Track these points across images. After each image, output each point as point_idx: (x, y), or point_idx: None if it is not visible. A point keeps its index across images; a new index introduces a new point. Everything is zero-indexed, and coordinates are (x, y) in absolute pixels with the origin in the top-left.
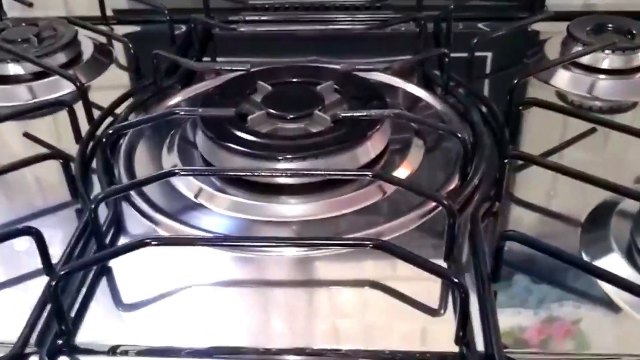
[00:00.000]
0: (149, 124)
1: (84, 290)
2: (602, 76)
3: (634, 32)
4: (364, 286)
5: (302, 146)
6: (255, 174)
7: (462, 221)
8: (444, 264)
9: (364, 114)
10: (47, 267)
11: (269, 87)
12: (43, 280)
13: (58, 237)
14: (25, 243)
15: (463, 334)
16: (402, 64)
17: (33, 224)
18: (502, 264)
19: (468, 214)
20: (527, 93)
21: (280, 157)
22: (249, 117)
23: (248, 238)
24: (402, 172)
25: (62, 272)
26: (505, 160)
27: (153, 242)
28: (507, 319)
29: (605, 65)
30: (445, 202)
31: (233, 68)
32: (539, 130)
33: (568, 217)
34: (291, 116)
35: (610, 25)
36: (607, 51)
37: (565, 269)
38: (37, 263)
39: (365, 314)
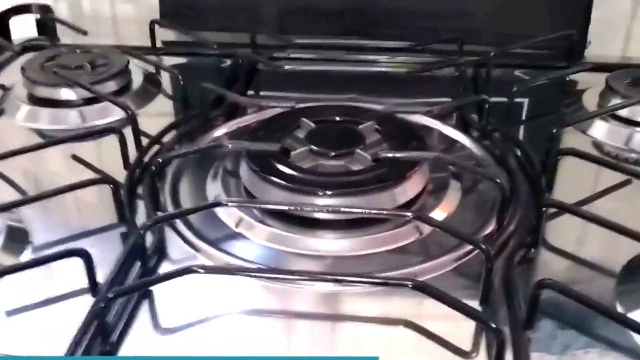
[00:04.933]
0: (197, 155)
1: (127, 312)
2: (639, 129)
3: None
4: (397, 324)
5: (342, 183)
6: (299, 209)
7: (497, 266)
8: (479, 308)
9: (405, 155)
10: (93, 288)
11: (312, 125)
12: (84, 299)
13: (101, 256)
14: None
15: None
16: (443, 108)
17: (77, 243)
18: (538, 311)
19: (503, 260)
20: (563, 141)
21: (320, 193)
22: (292, 153)
23: (292, 272)
24: (438, 213)
25: (111, 296)
26: (544, 209)
27: (200, 270)
28: None
29: None
30: (484, 247)
31: (280, 105)
32: (572, 179)
33: (602, 267)
34: (333, 153)
35: None
36: None
37: (591, 316)
38: (76, 281)
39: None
